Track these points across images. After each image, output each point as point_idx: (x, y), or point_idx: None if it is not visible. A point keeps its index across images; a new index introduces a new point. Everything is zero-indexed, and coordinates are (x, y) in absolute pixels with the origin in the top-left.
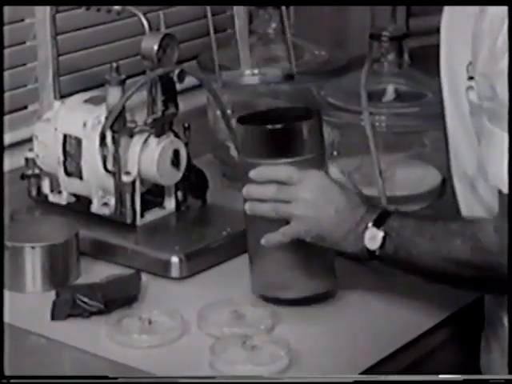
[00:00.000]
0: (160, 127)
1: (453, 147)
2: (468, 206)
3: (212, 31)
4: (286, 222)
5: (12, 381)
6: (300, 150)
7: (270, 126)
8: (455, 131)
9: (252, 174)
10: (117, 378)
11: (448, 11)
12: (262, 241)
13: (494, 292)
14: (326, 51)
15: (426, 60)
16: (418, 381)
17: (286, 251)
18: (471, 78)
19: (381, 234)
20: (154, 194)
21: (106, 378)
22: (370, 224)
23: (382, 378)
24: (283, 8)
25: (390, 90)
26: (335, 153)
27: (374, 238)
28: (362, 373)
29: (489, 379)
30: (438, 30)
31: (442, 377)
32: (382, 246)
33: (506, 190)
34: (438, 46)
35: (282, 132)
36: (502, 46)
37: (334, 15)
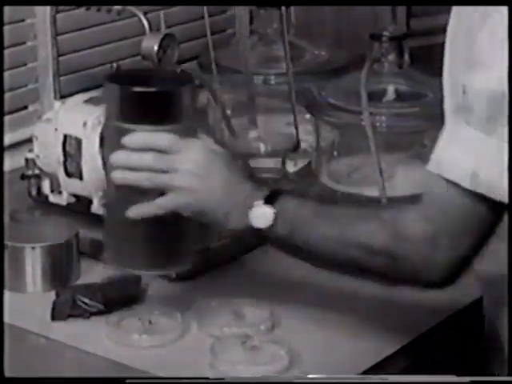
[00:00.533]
0: None
1: None
2: None
3: (209, 33)
4: (160, 193)
5: (12, 381)
6: (178, 116)
7: (148, 89)
8: None
9: (127, 140)
10: (117, 379)
11: (455, 11)
12: (130, 212)
13: (396, 284)
14: (327, 51)
15: (427, 60)
16: (418, 382)
17: (145, 224)
18: None
19: (271, 211)
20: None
21: (106, 378)
22: (260, 201)
23: (382, 378)
24: (283, 8)
25: (391, 90)
26: (335, 153)
27: (263, 215)
28: (362, 373)
29: (490, 381)
30: (438, 31)
31: (441, 377)
32: (273, 225)
33: (445, 175)
34: (440, 46)
35: (161, 96)
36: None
37: (335, 15)
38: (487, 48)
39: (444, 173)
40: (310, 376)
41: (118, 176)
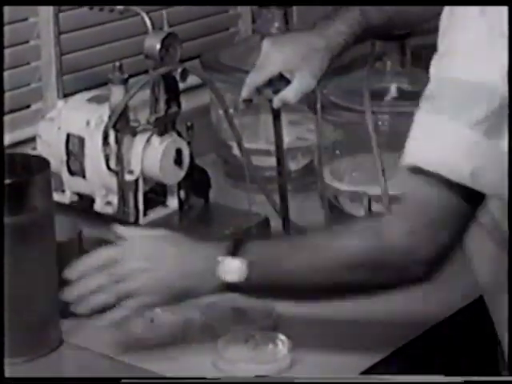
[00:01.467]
0: (163, 126)
1: None
2: None
3: None
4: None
5: (12, 381)
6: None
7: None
8: None
9: (71, 273)
10: (119, 378)
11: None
12: (103, 320)
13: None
14: None
15: (429, 59)
16: (414, 382)
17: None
18: None
19: (238, 262)
20: (156, 193)
21: (108, 377)
22: (222, 257)
23: (380, 378)
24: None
25: (393, 89)
26: (338, 152)
27: (232, 269)
28: (362, 373)
29: (483, 381)
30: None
31: (435, 377)
32: (248, 275)
33: (420, 165)
34: None
35: (15, 186)
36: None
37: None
38: (452, 36)
39: (421, 164)
40: (310, 376)
41: (84, 309)
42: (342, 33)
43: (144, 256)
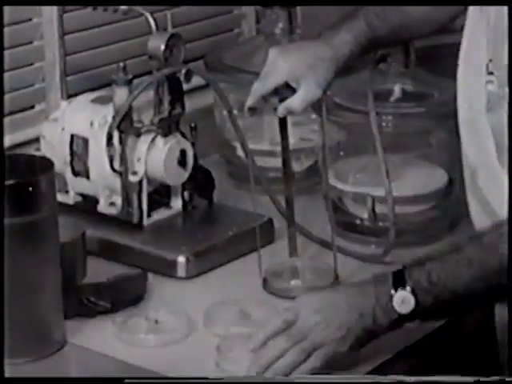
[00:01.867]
0: (167, 127)
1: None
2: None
3: None
4: None
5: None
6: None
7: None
8: (465, 133)
9: (253, 344)
10: (122, 378)
11: (473, 11)
12: (282, 365)
13: None
14: None
15: (433, 60)
16: (423, 381)
17: None
18: (491, 73)
19: (406, 293)
20: (160, 194)
21: (106, 378)
22: (391, 291)
23: (385, 378)
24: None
25: (397, 90)
26: (342, 153)
27: (403, 300)
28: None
29: (494, 381)
30: (444, 30)
31: (445, 377)
32: (417, 303)
33: None
34: (446, 46)
35: (18, 186)
36: None
37: (341, 15)
38: None
39: None
40: (310, 376)
41: (272, 374)
42: (347, 43)
43: (316, 310)
